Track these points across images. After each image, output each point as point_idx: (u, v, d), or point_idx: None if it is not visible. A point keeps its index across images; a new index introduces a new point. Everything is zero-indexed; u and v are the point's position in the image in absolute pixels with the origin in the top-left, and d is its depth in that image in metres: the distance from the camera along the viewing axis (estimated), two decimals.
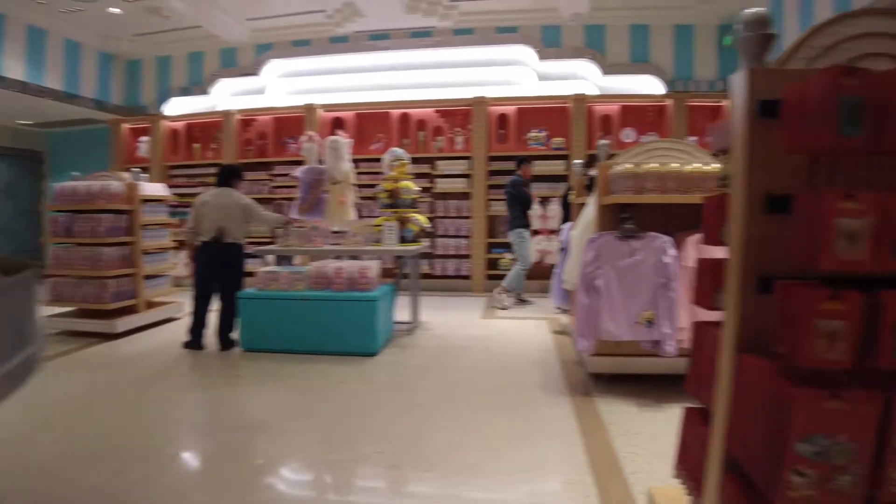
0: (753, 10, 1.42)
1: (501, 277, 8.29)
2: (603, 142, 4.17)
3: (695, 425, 1.78)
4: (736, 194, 1.38)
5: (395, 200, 5.74)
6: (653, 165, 3.59)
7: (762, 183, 1.33)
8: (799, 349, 1.11)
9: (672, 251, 3.51)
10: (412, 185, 5.78)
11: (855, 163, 1.33)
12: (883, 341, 1.13)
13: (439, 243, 8.57)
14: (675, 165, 3.59)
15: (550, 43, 8.96)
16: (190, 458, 3.07)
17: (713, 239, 1.60)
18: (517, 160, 7.42)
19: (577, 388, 3.93)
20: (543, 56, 8.67)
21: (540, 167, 8.07)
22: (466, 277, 8.47)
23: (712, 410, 1.56)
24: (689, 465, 1.81)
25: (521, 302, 7.43)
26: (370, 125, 9.01)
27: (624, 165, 3.63)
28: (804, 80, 1.16)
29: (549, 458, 2.92)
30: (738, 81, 1.38)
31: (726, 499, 1.46)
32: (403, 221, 5.65)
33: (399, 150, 6.01)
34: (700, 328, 1.70)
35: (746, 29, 1.40)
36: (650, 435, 3.08)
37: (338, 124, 8.98)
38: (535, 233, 7.69)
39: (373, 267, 5.03)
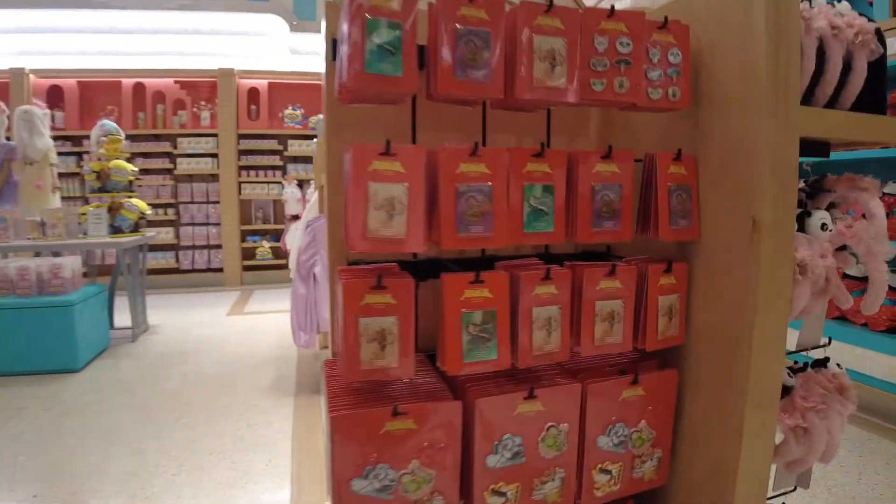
0: None
1: (260, 268, 7.67)
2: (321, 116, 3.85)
3: None
4: (322, 159, 1.10)
5: (104, 183, 4.81)
6: None
7: (348, 142, 1.06)
8: (345, 357, 0.84)
9: None
10: (126, 165, 4.89)
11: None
12: (449, 340, 0.89)
13: (184, 232, 7.57)
14: None
15: (303, 15, 8.41)
16: None
17: None
18: None
19: (307, 386, 3.61)
20: (296, 29, 8.09)
21: (297, 149, 7.59)
22: (219, 270, 7.63)
23: None
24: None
25: None
26: (97, 96, 7.59)
27: None
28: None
29: (250, 471, 2.60)
30: (322, 22, 1.10)
31: None
32: (116, 208, 4.76)
33: (110, 124, 5.04)
34: None
35: None
36: None
37: (56, 93, 7.44)
38: (296, 217, 7.19)
39: (67, 265, 4.13)
